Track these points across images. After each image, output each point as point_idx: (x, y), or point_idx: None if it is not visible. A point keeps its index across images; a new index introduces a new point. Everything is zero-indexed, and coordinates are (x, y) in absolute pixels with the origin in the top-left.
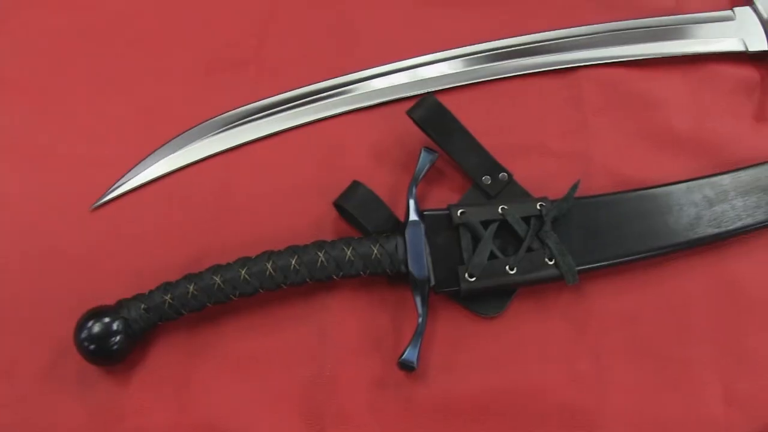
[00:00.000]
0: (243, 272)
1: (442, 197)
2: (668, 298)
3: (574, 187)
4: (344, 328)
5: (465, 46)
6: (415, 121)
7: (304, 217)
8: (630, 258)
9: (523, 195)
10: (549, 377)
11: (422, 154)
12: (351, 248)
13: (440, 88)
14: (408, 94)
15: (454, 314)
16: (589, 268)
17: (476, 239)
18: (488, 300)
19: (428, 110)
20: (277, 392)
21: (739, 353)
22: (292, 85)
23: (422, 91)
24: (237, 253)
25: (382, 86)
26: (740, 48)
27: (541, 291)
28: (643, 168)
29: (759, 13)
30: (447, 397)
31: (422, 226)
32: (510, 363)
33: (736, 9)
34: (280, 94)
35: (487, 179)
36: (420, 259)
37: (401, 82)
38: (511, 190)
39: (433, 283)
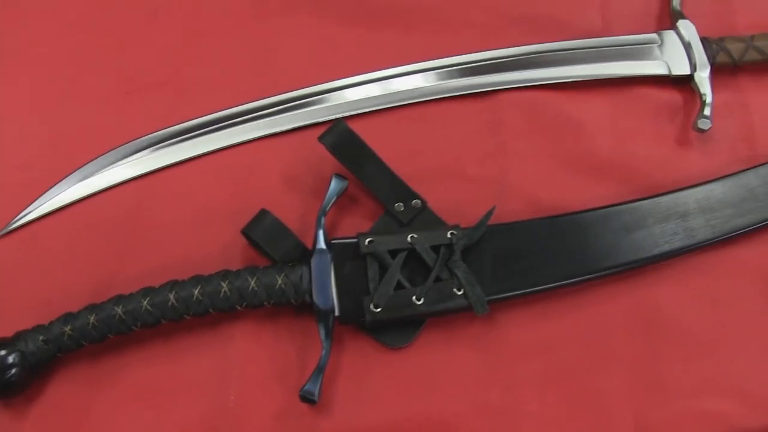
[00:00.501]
0: (145, 303)
1: (355, 224)
2: (584, 327)
3: (488, 214)
4: (249, 359)
5: (384, 68)
6: (326, 147)
7: (215, 245)
8: (545, 287)
9: (437, 222)
10: (458, 409)
11: (332, 182)
12: (255, 278)
13: (357, 112)
14: (323, 119)
15: (362, 344)
16: (501, 297)
17: (384, 269)
18: (396, 330)
19: (339, 136)
20: (180, 423)
21: (652, 382)
22: (209, 109)
23: (339, 115)
24: (145, 281)
25: (297, 111)
26: (663, 72)
27: (451, 321)
28: (563, 193)
29: (682, 37)
30: (352, 429)
31: (329, 255)
32: (418, 394)
33: (661, 32)
34: (196, 118)
35: (399, 206)
36: (325, 290)
37: (317, 107)
38: (424, 217)
39: (338, 313)
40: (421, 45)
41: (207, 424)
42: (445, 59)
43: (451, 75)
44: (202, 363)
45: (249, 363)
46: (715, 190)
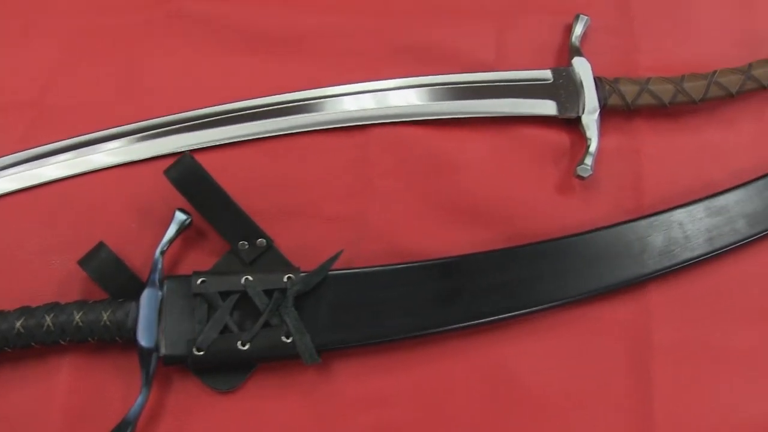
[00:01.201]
0: None
1: (201, 260)
2: (424, 383)
3: (331, 259)
4: (72, 393)
5: (257, 97)
6: (170, 181)
7: (55, 275)
8: (385, 339)
9: (282, 263)
10: None
11: (174, 218)
12: (81, 313)
13: (217, 143)
14: (179, 149)
15: (189, 385)
16: (336, 347)
17: (215, 310)
18: (224, 373)
19: (183, 170)
20: None
21: None
22: (70, 133)
23: (196, 147)
24: None
25: (154, 139)
26: (551, 112)
27: (284, 368)
28: (426, 238)
29: (576, 77)
30: None
31: (159, 292)
32: None
33: (554, 70)
34: (52, 143)
35: (243, 245)
36: (150, 329)
37: (174, 136)
38: (269, 257)
39: (163, 353)
40: (301, 75)
41: None
42: (313, 90)
43: (319, 107)
44: (26, 397)
45: (74, 396)
46: (590, 241)
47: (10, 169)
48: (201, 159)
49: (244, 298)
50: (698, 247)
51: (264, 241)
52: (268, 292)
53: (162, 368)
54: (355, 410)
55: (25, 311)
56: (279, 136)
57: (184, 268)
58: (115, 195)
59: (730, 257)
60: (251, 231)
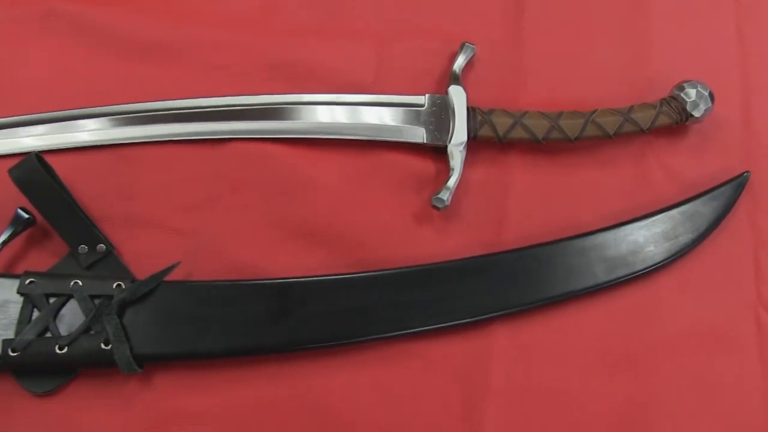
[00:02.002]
0: None
1: (43, 262)
2: (243, 404)
3: (165, 270)
4: None
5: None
6: (13, 181)
7: None
8: (209, 356)
9: (121, 270)
10: None
11: (15, 216)
12: None
13: (74, 146)
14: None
15: (6, 386)
16: (159, 359)
17: (38, 311)
18: (41, 376)
19: (26, 170)
20: None
21: None
22: None
23: (53, 148)
24: None
25: (15, 138)
26: (420, 139)
27: (107, 375)
28: (269, 257)
29: (450, 104)
30: None
31: None
32: None
33: (430, 96)
34: None
35: (83, 249)
36: None
37: (41, 134)
38: (108, 263)
39: None
40: (171, 83)
41: None
42: (174, 101)
43: (178, 118)
44: None
45: None
46: (435, 274)
47: None
48: (57, 160)
49: (72, 302)
50: (552, 288)
51: (104, 246)
52: (96, 298)
53: None
54: (170, 424)
55: None
56: (137, 143)
57: (24, 268)
58: None
59: (582, 302)
60: (91, 236)
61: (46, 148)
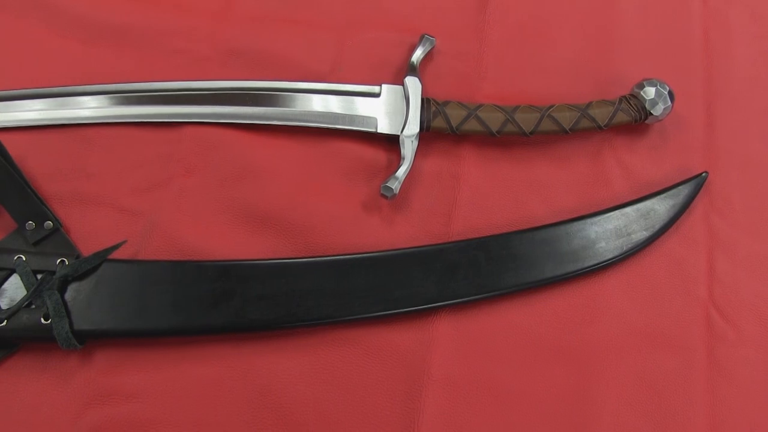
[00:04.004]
0: None
1: None
2: (182, 383)
3: (110, 248)
4: None
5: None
6: None
7: None
8: (150, 334)
9: (67, 247)
10: None
11: None
12: None
13: (28, 124)
14: None
15: None
16: (99, 335)
17: None
18: None
19: None
20: None
21: None
22: None
23: (6, 125)
24: None
25: None
26: (372, 128)
27: (49, 351)
28: (217, 240)
29: (406, 95)
30: None
31: None
32: None
33: (386, 86)
34: None
35: (30, 225)
36: None
37: None
38: (55, 240)
39: None
40: (125, 66)
41: None
42: (130, 84)
43: (135, 100)
44: None
45: None
46: (379, 261)
47: None
48: (9, 137)
49: (15, 277)
50: (498, 280)
51: (51, 223)
52: (39, 273)
53: None
54: (108, 401)
55: None
56: (92, 124)
57: None
58: None
59: (529, 295)
60: (39, 213)
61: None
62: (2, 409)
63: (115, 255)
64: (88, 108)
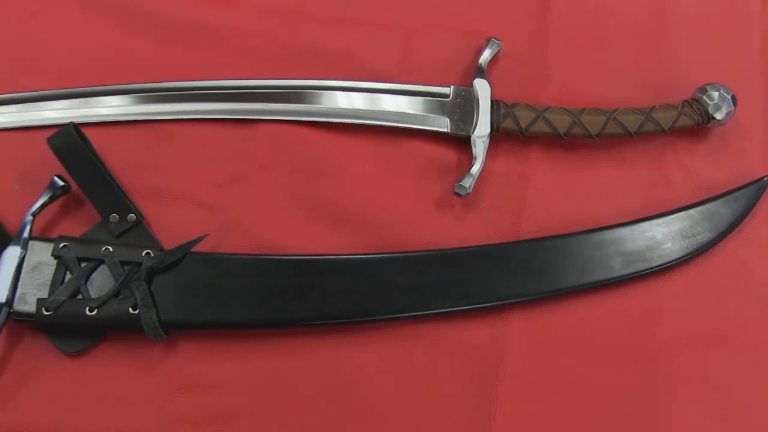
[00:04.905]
0: None
1: (74, 228)
2: (264, 375)
3: (193, 241)
4: None
5: (155, 82)
6: (51, 149)
7: None
8: (232, 326)
9: (149, 240)
10: (110, 429)
11: (50, 183)
12: None
13: (108, 119)
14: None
15: (39, 345)
16: (184, 327)
17: (71, 275)
18: (72, 336)
19: (63, 139)
20: None
21: None
22: None
23: (88, 120)
24: None
25: (47, 110)
26: (444, 129)
27: (136, 340)
28: (293, 236)
29: (474, 96)
30: None
31: (22, 251)
32: (74, 405)
33: (455, 88)
34: None
35: (114, 217)
36: (4, 283)
37: (68, 108)
38: (138, 233)
39: (13, 309)
40: (198, 64)
41: None
42: (207, 81)
43: (211, 97)
44: None
45: None
46: (455, 259)
47: None
48: (91, 132)
49: (102, 267)
50: (568, 278)
51: (134, 216)
52: (126, 265)
53: (15, 327)
54: (191, 390)
55: None
56: (169, 120)
57: (57, 234)
58: (3, 157)
59: (600, 294)
60: (123, 205)
61: (81, 121)
62: (91, 396)
63: (195, 248)
64: (165, 104)
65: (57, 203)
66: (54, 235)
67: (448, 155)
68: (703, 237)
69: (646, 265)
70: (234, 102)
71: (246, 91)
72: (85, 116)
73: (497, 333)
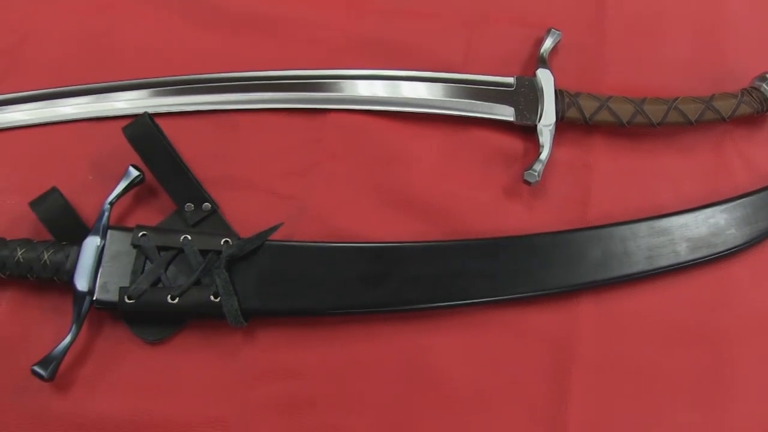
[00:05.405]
0: None
1: (148, 218)
2: (342, 361)
3: (268, 230)
4: (5, 328)
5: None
6: (126, 139)
7: (6, 215)
8: (311, 313)
9: (224, 229)
10: (189, 419)
11: (126, 173)
12: (24, 250)
13: (178, 110)
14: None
15: (119, 334)
16: (263, 314)
17: (151, 263)
18: (153, 325)
19: (138, 129)
20: None
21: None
22: (39, 84)
23: (158, 111)
24: None
25: (122, 100)
26: (509, 117)
27: (214, 328)
28: (363, 223)
29: (538, 86)
30: (81, 414)
31: (101, 240)
32: (156, 394)
33: (518, 78)
34: (21, 91)
35: (189, 206)
36: (87, 273)
37: (138, 99)
38: (213, 221)
39: (95, 298)
40: (264, 55)
41: None
42: (274, 71)
43: (279, 87)
44: None
45: (6, 331)
46: (528, 245)
47: None
48: (161, 123)
49: (181, 256)
50: (636, 264)
51: (209, 205)
52: (204, 253)
53: (95, 315)
54: (270, 378)
55: None
56: (239, 110)
57: (132, 223)
58: (76, 147)
59: (667, 279)
60: (198, 195)
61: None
62: (173, 384)
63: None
64: (233, 94)
65: (129, 193)
66: (126, 224)
67: (513, 144)
68: (766, 224)
69: (712, 251)
70: (303, 91)
71: (314, 80)
72: (154, 106)
73: (568, 318)
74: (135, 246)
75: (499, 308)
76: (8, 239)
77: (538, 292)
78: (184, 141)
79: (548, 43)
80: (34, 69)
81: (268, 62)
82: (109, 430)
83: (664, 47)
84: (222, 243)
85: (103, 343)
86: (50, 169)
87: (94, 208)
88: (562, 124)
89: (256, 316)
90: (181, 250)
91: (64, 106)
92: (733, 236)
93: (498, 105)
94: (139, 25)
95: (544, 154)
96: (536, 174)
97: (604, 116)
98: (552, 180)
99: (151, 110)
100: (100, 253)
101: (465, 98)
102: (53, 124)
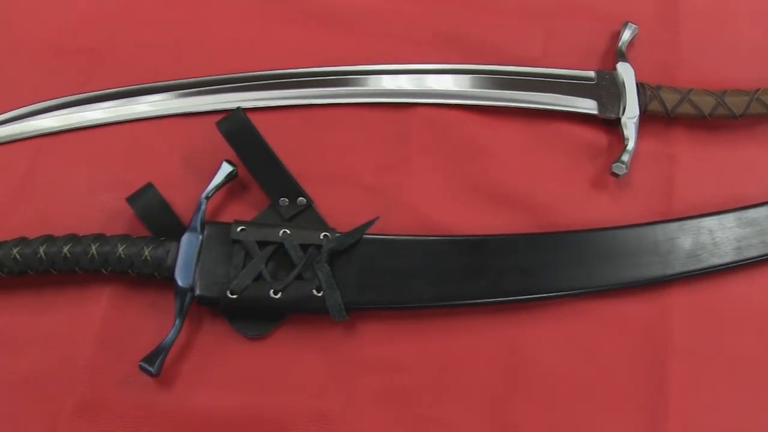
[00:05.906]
0: (15, 252)
1: (243, 212)
2: (442, 353)
3: (366, 224)
4: (110, 322)
5: (303, 67)
6: (221, 133)
7: (102, 211)
8: (410, 305)
9: (319, 223)
10: (295, 411)
11: (221, 167)
12: (125, 246)
13: (268, 105)
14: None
15: (219, 328)
16: (363, 307)
17: (251, 258)
18: (253, 320)
19: (233, 124)
20: (24, 372)
21: (500, 422)
22: (129, 81)
23: (247, 106)
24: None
25: (211, 95)
26: (592, 111)
27: (312, 322)
28: (453, 216)
29: (619, 79)
30: (186, 409)
31: (200, 236)
32: (260, 388)
33: (598, 71)
34: (112, 88)
35: (284, 201)
36: (187, 268)
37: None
38: (307, 216)
39: (197, 293)
40: (347, 49)
41: (52, 378)
42: (361, 66)
43: (367, 82)
44: (62, 319)
45: (109, 326)
46: (619, 237)
47: (65, 109)
48: (251, 117)
49: (280, 250)
50: (726, 254)
51: (304, 200)
52: (304, 247)
53: (194, 310)
54: (372, 371)
55: (72, 238)
56: (326, 105)
57: (225, 218)
58: (167, 143)
59: (757, 268)
60: (292, 189)
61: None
62: (276, 378)
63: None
64: (319, 88)
65: (222, 189)
66: (219, 219)
67: (597, 137)
68: None
69: None
70: (390, 86)
71: (401, 75)
72: (243, 101)
73: (660, 308)
74: (234, 241)
75: (590, 299)
76: (109, 235)
77: (630, 283)
78: (272, 135)
79: (626, 37)
80: (123, 64)
81: (344, 57)
82: (216, 424)
83: (739, 38)
84: (321, 237)
85: (203, 338)
86: (141, 166)
87: (186, 203)
88: (643, 116)
89: (356, 310)
90: (281, 245)
91: (151, 103)
92: None
93: (580, 98)
94: (230, 20)
95: (630, 146)
96: (624, 166)
97: (685, 109)
98: (636, 172)
99: (242, 104)
100: (199, 248)
101: (547, 92)
102: (140, 120)
